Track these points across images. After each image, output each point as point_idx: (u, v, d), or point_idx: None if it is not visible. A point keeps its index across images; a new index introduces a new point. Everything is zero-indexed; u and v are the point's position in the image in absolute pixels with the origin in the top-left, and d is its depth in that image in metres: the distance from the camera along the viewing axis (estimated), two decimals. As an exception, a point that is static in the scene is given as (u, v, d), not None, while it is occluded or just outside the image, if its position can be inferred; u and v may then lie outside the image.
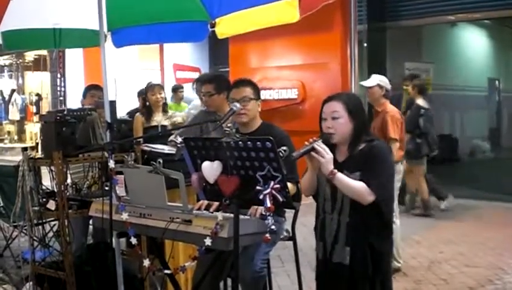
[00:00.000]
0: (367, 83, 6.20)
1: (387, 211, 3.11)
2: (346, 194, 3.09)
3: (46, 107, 16.45)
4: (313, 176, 3.23)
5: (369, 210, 3.05)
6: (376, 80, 6.21)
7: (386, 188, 3.09)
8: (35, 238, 4.44)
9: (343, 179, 3.04)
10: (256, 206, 3.45)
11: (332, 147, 3.13)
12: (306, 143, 3.04)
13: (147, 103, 6.93)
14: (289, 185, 3.07)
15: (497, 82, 18.72)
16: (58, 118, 4.29)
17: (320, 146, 3.03)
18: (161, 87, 7.14)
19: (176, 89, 10.90)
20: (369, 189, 3.02)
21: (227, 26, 4.66)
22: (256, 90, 4.09)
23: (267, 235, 2.94)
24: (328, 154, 3.02)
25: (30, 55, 17.24)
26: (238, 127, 4.05)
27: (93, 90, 5.73)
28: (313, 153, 3.03)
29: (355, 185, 3.03)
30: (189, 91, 12.77)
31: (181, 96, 10.86)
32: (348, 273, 3.14)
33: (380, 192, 3.03)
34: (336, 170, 3.02)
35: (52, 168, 4.24)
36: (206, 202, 3.65)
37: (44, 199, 4.34)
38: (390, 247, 3.30)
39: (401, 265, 5.75)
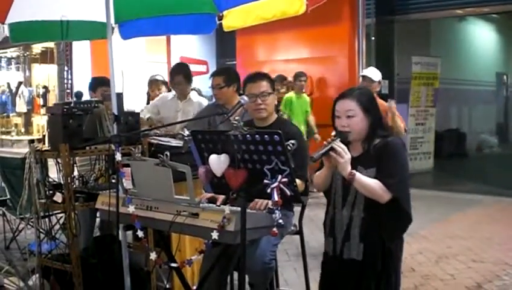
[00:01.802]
0: (374, 76, 6.13)
1: (407, 206, 3.08)
2: (363, 194, 3.07)
3: (53, 99, 16.50)
4: (329, 174, 3.20)
5: (384, 207, 3.03)
6: (379, 75, 6.17)
7: (402, 185, 3.05)
8: (41, 230, 4.44)
9: (361, 180, 3.00)
10: (258, 200, 3.44)
11: (346, 143, 3.10)
12: (325, 143, 3.01)
13: (151, 99, 6.98)
14: (298, 181, 3.05)
15: (505, 77, 18.65)
16: (65, 110, 4.28)
17: (339, 146, 2.99)
18: (160, 82, 7.16)
19: (297, 77, 9.62)
20: (386, 188, 2.99)
21: (234, 19, 4.65)
22: (272, 83, 4.08)
23: (274, 229, 2.93)
24: (347, 155, 2.99)
25: (37, 48, 17.27)
26: (254, 120, 4.04)
27: (106, 86, 5.73)
28: (332, 153, 2.99)
29: (373, 186, 3.00)
30: (199, 84, 12.78)
31: (302, 86, 9.65)
32: (358, 269, 3.12)
33: (396, 190, 3.00)
34: (354, 171, 2.99)
35: (59, 160, 4.23)
36: (208, 194, 3.65)
37: (51, 192, 4.33)
38: (401, 244, 3.27)
39: None
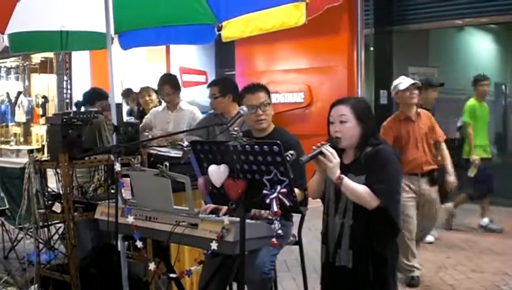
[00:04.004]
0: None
1: (395, 215, 3.09)
2: (351, 199, 3.08)
3: (52, 109, 16.50)
4: (321, 179, 3.23)
5: (374, 214, 3.04)
6: None
7: (390, 193, 3.08)
8: (40, 240, 4.44)
9: (349, 184, 3.03)
10: (258, 210, 3.45)
11: (340, 150, 3.12)
12: (314, 147, 3.04)
13: (141, 108, 7.02)
14: (296, 191, 3.05)
15: (503, 87, 18.67)
16: (64, 120, 4.29)
17: (328, 150, 3.02)
18: (150, 89, 7.19)
19: (478, 81, 8.21)
20: (374, 194, 3.01)
21: (233, 29, 4.66)
22: (269, 93, 4.09)
23: (274, 239, 2.93)
24: (336, 159, 3.02)
25: (37, 58, 17.30)
26: (251, 130, 4.04)
27: (103, 99, 5.67)
28: (320, 157, 3.02)
29: (360, 191, 3.03)
30: (198, 94, 12.79)
31: (484, 92, 8.12)
32: (350, 277, 3.14)
33: (384, 197, 3.02)
34: (342, 175, 3.02)
35: (58, 170, 4.23)
36: (212, 205, 3.64)
37: (50, 202, 4.34)
38: (395, 252, 3.28)
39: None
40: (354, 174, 3.11)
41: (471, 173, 7.36)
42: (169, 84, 5.83)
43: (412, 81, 5.57)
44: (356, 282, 3.13)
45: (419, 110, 5.69)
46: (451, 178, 5.61)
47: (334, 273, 3.22)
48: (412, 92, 5.53)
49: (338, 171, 3.03)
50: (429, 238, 6.76)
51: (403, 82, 5.59)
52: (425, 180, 5.40)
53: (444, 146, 5.73)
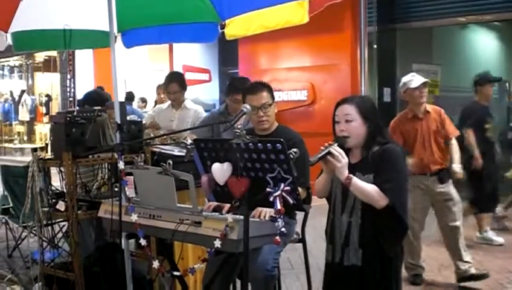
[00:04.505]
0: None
1: (404, 214, 3.08)
2: (360, 199, 3.08)
3: (55, 108, 16.54)
4: (328, 179, 3.22)
5: (382, 213, 3.03)
6: None
7: (399, 191, 3.06)
8: (44, 239, 4.44)
9: (358, 184, 3.02)
10: (260, 208, 3.45)
11: (346, 150, 3.11)
12: (322, 147, 3.02)
13: (157, 104, 7.00)
14: (299, 189, 3.05)
15: (507, 84, 18.63)
16: (68, 119, 4.28)
17: (336, 150, 3.01)
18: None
19: None
20: (383, 193, 3.00)
21: (236, 27, 4.65)
22: (271, 92, 4.07)
23: (277, 237, 2.93)
24: (344, 159, 3.00)
25: (40, 56, 17.34)
26: (254, 128, 4.04)
27: (103, 105, 5.57)
28: (329, 158, 3.01)
29: (370, 191, 3.02)
30: (202, 92, 12.78)
31: None
32: (358, 276, 3.13)
33: (393, 196, 3.01)
34: (351, 175, 3.01)
35: (62, 169, 4.23)
36: (214, 203, 3.64)
37: (53, 200, 4.34)
38: (401, 251, 3.27)
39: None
40: (362, 173, 3.10)
41: (510, 175, 7.25)
42: (177, 82, 5.83)
43: (423, 80, 5.44)
44: (363, 281, 3.12)
45: (429, 106, 5.55)
46: (457, 168, 5.44)
47: (341, 273, 3.20)
48: (422, 91, 5.41)
49: (346, 171, 3.02)
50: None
51: (413, 80, 5.44)
52: (434, 179, 5.38)
53: (454, 141, 5.53)
